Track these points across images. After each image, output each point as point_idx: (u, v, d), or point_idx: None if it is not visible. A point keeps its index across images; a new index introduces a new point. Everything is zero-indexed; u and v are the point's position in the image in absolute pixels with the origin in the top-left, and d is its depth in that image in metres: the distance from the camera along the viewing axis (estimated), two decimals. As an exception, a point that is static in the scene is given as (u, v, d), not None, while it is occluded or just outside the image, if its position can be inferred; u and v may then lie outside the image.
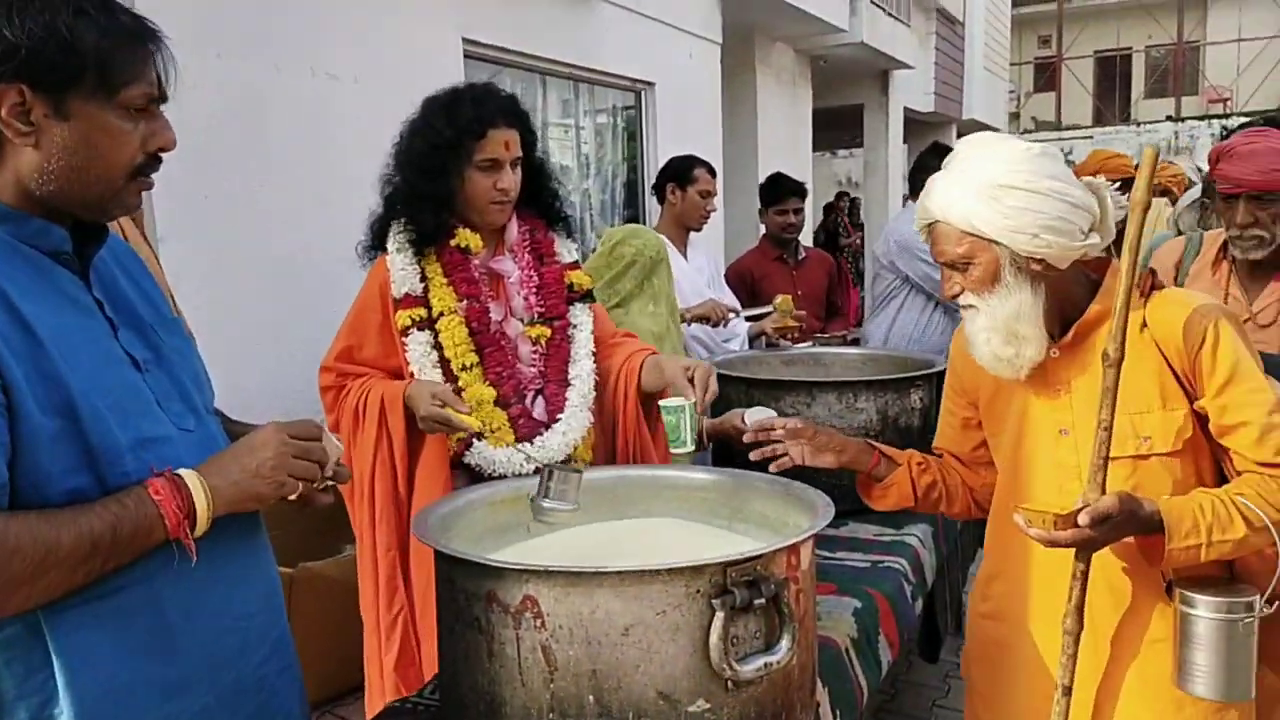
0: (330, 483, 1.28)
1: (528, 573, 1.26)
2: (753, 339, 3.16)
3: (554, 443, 1.88)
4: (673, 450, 1.73)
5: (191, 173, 3.36)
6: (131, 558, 1.08)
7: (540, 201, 2.00)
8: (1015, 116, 22.69)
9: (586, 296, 2.02)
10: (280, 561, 2.61)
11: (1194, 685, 1.40)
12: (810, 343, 3.41)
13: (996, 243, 1.41)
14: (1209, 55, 23.32)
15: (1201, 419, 1.46)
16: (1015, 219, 1.39)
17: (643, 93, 6.20)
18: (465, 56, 4.50)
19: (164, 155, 1.19)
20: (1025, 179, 1.39)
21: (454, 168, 1.84)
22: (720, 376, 2.44)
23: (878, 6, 9.39)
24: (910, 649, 2.23)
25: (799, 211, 3.90)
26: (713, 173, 3.36)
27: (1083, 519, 1.32)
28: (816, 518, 1.44)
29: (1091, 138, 18.69)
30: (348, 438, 1.85)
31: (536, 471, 1.58)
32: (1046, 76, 23.77)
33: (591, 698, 1.25)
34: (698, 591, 1.24)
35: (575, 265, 2.05)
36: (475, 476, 1.86)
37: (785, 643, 1.30)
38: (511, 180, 1.88)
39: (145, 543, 1.08)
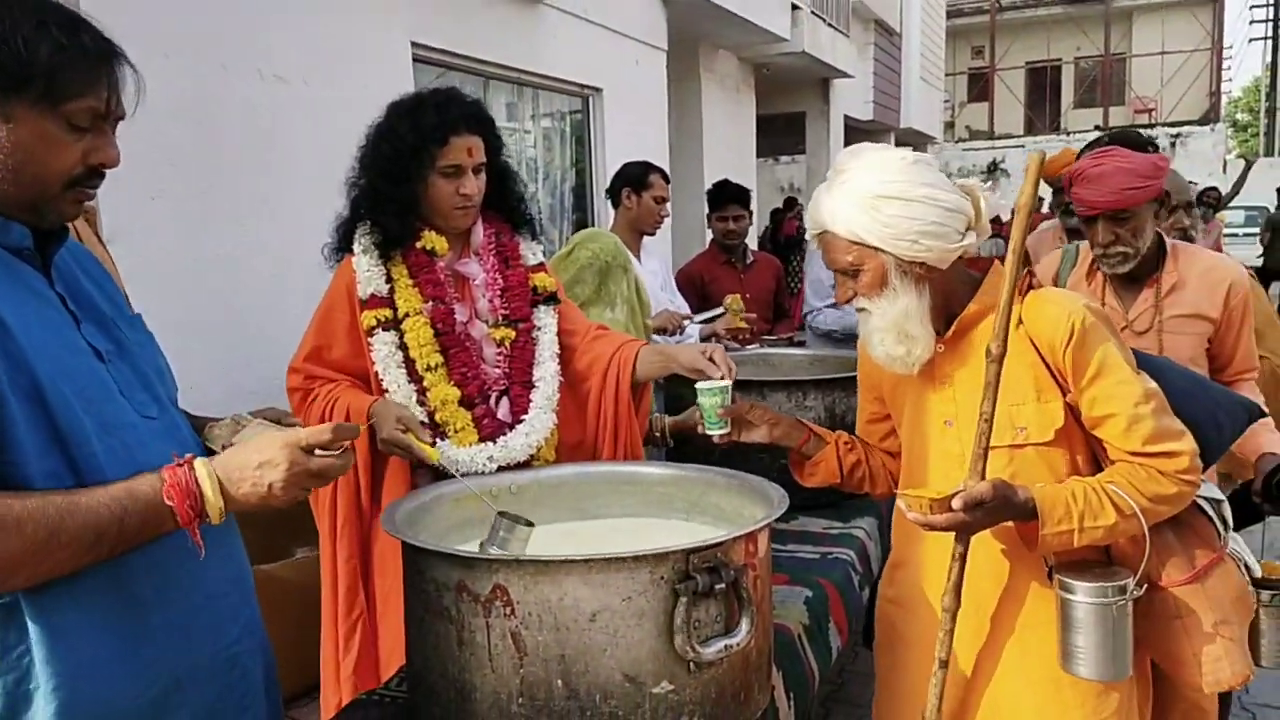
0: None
1: (497, 563, 1.30)
2: (704, 339, 3.23)
3: (517, 443, 1.92)
4: (710, 432, 1.79)
5: (138, 173, 3.31)
6: (139, 544, 1.10)
7: (506, 205, 2.03)
8: (950, 126, 23.28)
9: (551, 299, 2.06)
10: (254, 557, 2.62)
11: (1076, 667, 1.46)
12: (758, 344, 3.50)
13: (880, 250, 1.48)
14: (1134, 67, 24.22)
15: (1075, 411, 1.52)
16: (894, 227, 1.45)
17: (590, 98, 6.25)
18: (414, 60, 4.51)
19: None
20: (900, 189, 1.45)
21: (418, 173, 1.87)
22: (674, 377, 2.53)
23: (818, 16, 9.60)
24: (857, 639, 2.31)
25: (740, 218, 4.00)
26: (667, 179, 3.43)
27: (956, 503, 1.38)
28: (772, 509, 1.50)
29: (1023, 146, 19.29)
30: None
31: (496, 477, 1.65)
32: (980, 86, 24.43)
33: (560, 682, 1.29)
34: (661, 578, 1.30)
35: (540, 267, 2.08)
36: (439, 476, 1.89)
37: (745, 626, 1.36)
38: (474, 185, 1.91)
39: (151, 535, 1.11)
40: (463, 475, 1.81)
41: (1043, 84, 24.74)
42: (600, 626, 1.29)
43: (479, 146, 1.90)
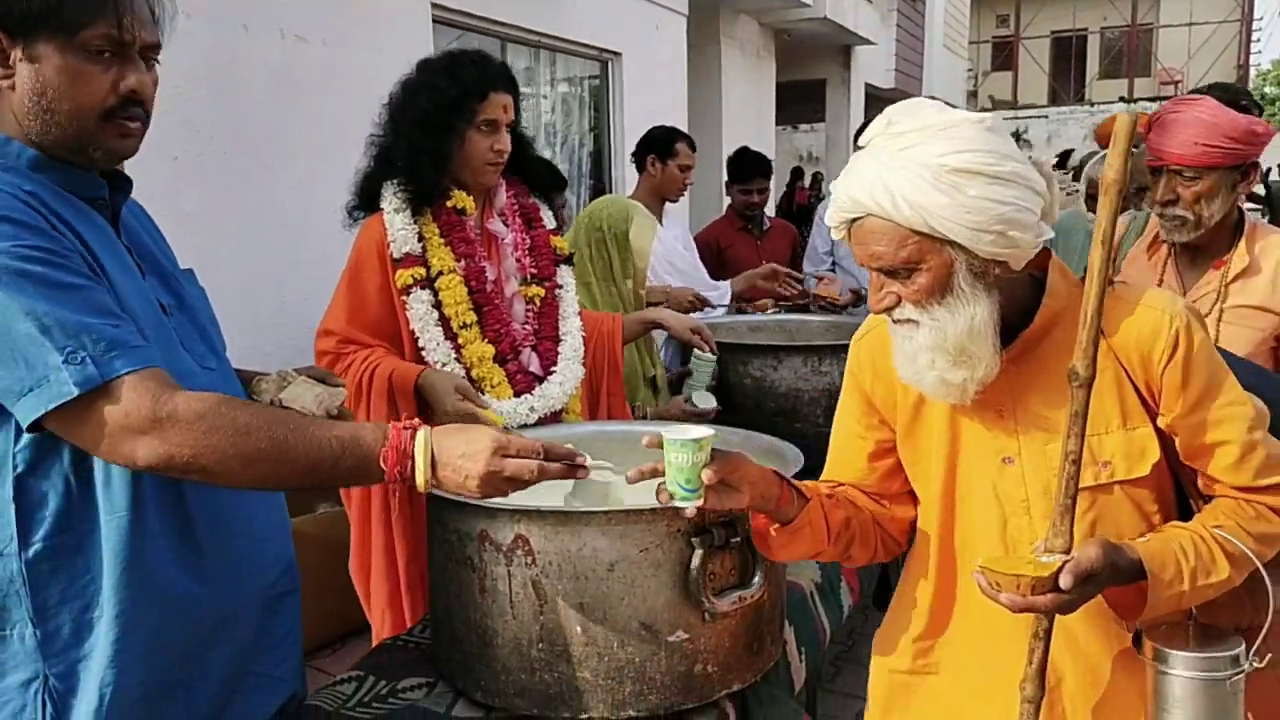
0: None
1: (519, 513, 1.33)
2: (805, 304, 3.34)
3: (553, 392, 1.97)
4: (696, 405, 1.84)
5: (160, 134, 3.31)
6: (344, 484, 1.14)
7: (525, 168, 2.06)
8: (973, 95, 22.94)
9: (568, 260, 2.11)
10: (292, 510, 2.67)
11: None
12: (778, 310, 3.53)
13: (953, 243, 1.12)
14: (1161, 38, 23.78)
15: (1166, 438, 1.22)
16: (980, 214, 1.10)
17: (609, 63, 6.22)
18: (433, 21, 4.50)
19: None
20: (986, 161, 1.10)
21: (455, 126, 1.88)
22: (688, 353, 2.61)
23: (840, -19, 9.47)
24: (868, 600, 2.35)
25: (762, 191, 4.01)
26: (693, 147, 3.43)
27: (1065, 580, 1.06)
28: (787, 466, 1.53)
29: (1046, 117, 19.02)
30: (350, 406, 1.89)
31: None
32: (1004, 56, 24.06)
33: (579, 629, 1.33)
34: (679, 531, 1.33)
35: (556, 231, 2.13)
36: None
37: (758, 579, 1.39)
38: (506, 142, 1.94)
39: (360, 481, 1.18)
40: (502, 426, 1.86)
41: (1068, 54, 24.34)
42: (618, 576, 1.32)
43: (510, 105, 1.92)
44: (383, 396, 1.85)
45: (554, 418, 1.95)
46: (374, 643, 1.90)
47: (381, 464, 1.13)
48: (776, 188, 11.04)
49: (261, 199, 3.68)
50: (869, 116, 1.25)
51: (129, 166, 3.07)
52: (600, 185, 6.29)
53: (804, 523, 1.31)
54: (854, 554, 1.39)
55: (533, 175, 2.08)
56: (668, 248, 3.00)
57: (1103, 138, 2.37)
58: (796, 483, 1.33)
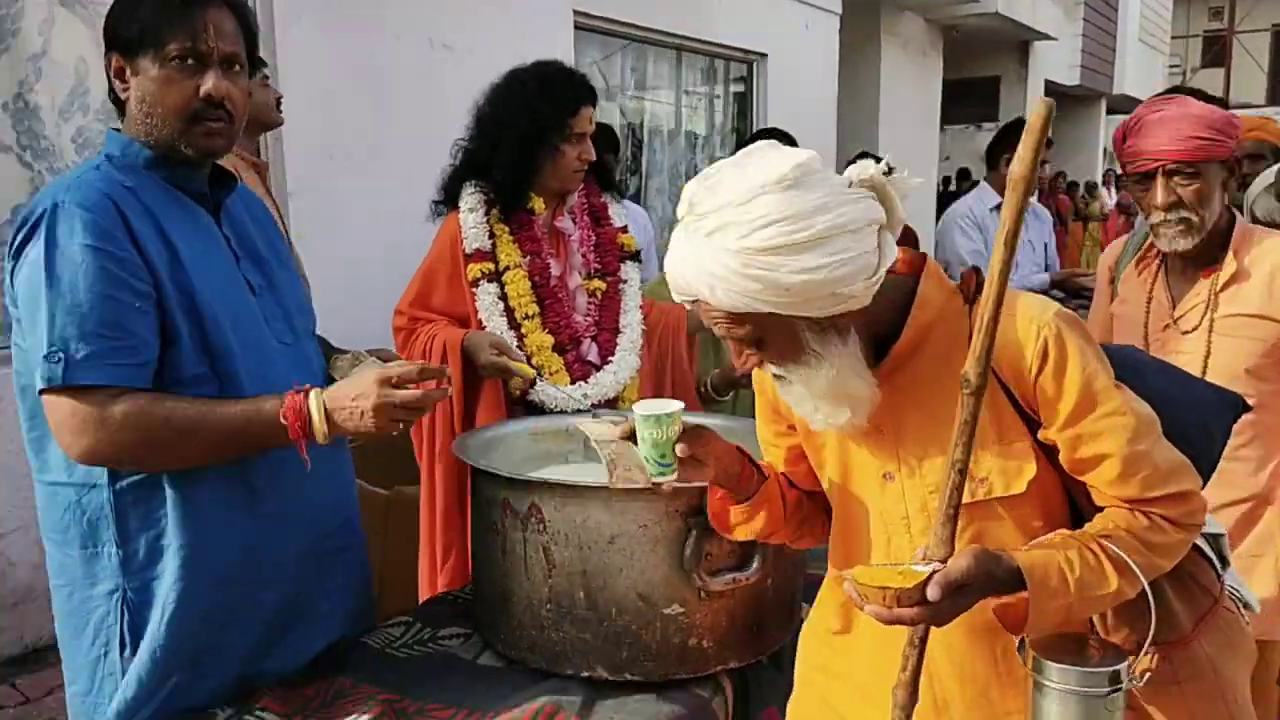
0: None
1: (533, 484, 1.48)
2: None
3: (607, 380, 2.11)
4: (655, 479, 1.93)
5: (319, 135, 3.73)
6: (254, 452, 1.36)
7: (597, 170, 2.21)
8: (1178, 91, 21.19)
9: (634, 257, 2.24)
10: (380, 485, 2.93)
11: None
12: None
13: (789, 316, 1.08)
14: (1407, 27, 21.15)
15: (1047, 449, 1.17)
16: (801, 288, 1.04)
17: (754, 63, 6.28)
18: (575, 28, 4.72)
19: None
20: (791, 231, 1.02)
21: (549, 139, 2.06)
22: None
23: (1015, -26, 9.08)
24: None
25: None
26: (790, 142, 3.48)
27: (932, 592, 1.01)
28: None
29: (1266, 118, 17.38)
30: None
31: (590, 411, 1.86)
32: (1215, 50, 22.11)
33: (582, 594, 1.46)
34: (676, 510, 1.44)
35: (624, 229, 2.26)
36: (536, 413, 2.10)
37: (755, 564, 1.48)
38: (592, 151, 2.11)
39: (267, 444, 1.36)
40: (557, 410, 2.02)
41: (1293, 47, 22.09)
42: (618, 549, 1.45)
43: (593, 115, 2.08)
44: (437, 358, 2.05)
45: (610, 404, 2.08)
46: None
47: (283, 422, 1.32)
48: (941, 187, 10.70)
49: (408, 194, 3.99)
50: (699, 174, 1.13)
51: (293, 157, 3.43)
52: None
53: (763, 499, 1.33)
54: (803, 535, 1.40)
55: (603, 176, 2.22)
56: None
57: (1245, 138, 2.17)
58: (759, 461, 1.35)
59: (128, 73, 1.37)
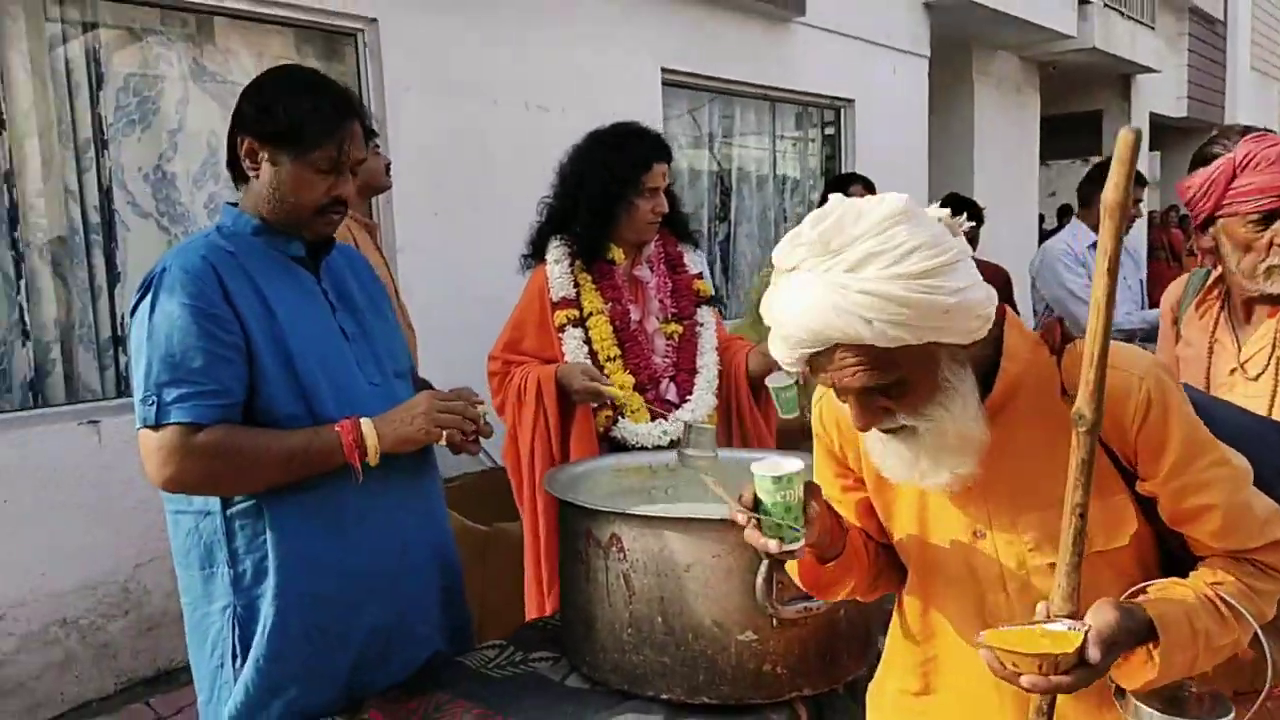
0: (476, 435, 1.67)
1: (614, 515, 1.59)
2: None
3: (683, 419, 2.21)
4: (782, 416, 2.04)
5: (425, 193, 3.99)
6: (320, 471, 1.52)
7: (673, 221, 2.34)
8: (1300, 118, 20.23)
9: (710, 301, 2.36)
10: (480, 522, 3.09)
11: None
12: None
13: (936, 343, 1.05)
14: None
15: (1145, 500, 1.15)
16: (960, 310, 1.02)
17: (842, 109, 6.36)
18: (663, 84, 4.91)
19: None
20: (939, 253, 1.02)
21: (624, 194, 2.23)
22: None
23: (1113, 9, 8.92)
24: None
25: (973, 233, 4.00)
26: (871, 189, 3.54)
27: (1094, 653, 0.97)
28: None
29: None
30: (511, 415, 2.27)
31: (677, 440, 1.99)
32: (1341, 71, 21.00)
33: (660, 619, 1.56)
34: (747, 542, 1.52)
35: (699, 276, 2.38)
36: (618, 448, 2.22)
37: (826, 593, 1.54)
38: (664, 205, 2.26)
39: (329, 463, 1.52)
40: (637, 446, 2.15)
41: None
42: (693, 576, 1.54)
43: (666, 171, 2.22)
44: (533, 397, 2.23)
45: None
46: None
47: (338, 440, 1.51)
48: (1051, 225, 10.47)
49: (506, 248, 4.21)
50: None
51: (402, 216, 3.72)
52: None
53: (852, 556, 1.28)
54: (878, 587, 1.36)
55: (679, 227, 2.35)
56: None
57: None
58: (841, 514, 1.32)
59: (261, 157, 1.56)
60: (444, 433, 1.60)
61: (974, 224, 3.95)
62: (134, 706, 3.18)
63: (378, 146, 2.83)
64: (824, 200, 3.57)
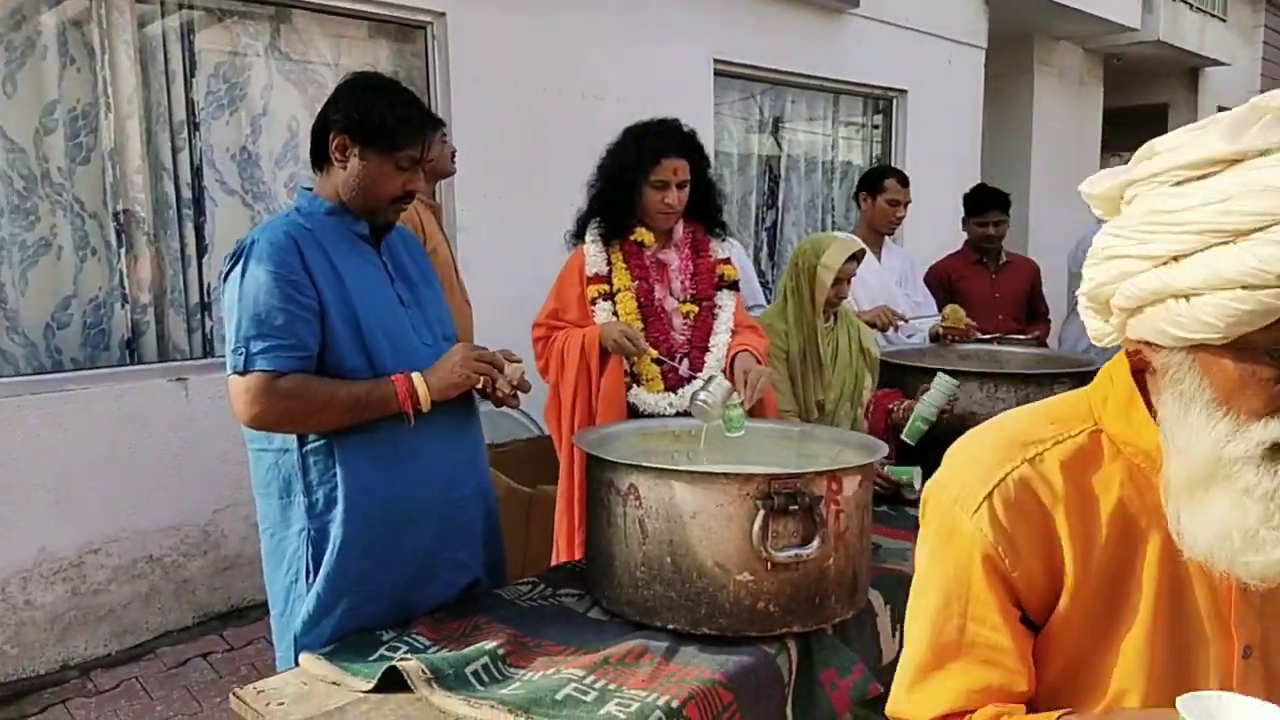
0: (515, 390, 1.93)
1: (632, 466, 1.81)
2: (933, 339, 3.48)
3: (691, 391, 2.42)
4: (727, 434, 2.19)
5: (487, 178, 4.25)
6: (379, 415, 1.78)
7: (704, 212, 2.56)
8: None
9: (732, 286, 2.57)
10: (525, 484, 3.35)
11: None
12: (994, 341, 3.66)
13: None
14: None
15: None
16: None
17: (894, 100, 6.45)
18: (715, 74, 5.09)
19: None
20: None
21: (634, 183, 2.45)
22: (890, 364, 3.01)
23: (1181, 1, 8.80)
24: None
25: (1000, 223, 4.10)
26: (904, 182, 3.68)
27: None
28: (875, 454, 1.88)
29: None
30: (555, 374, 2.52)
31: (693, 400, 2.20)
32: None
33: (669, 559, 1.78)
34: (747, 494, 1.73)
35: (726, 261, 2.59)
36: (633, 414, 2.46)
37: (816, 543, 1.75)
38: (675, 198, 2.46)
39: (386, 409, 1.78)
40: (648, 414, 2.37)
41: None
42: (699, 523, 1.75)
43: (684, 168, 2.43)
44: (576, 356, 2.47)
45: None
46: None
47: (394, 389, 1.77)
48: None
49: (558, 227, 4.45)
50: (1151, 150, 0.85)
51: (463, 199, 4.06)
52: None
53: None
54: None
55: (707, 218, 2.56)
56: (879, 278, 3.31)
57: None
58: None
59: (351, 152, 1.82)
60: (480, 377, 1.85)
61: (1002, 216, 4.08)
62: (209, 638, 3.52)
63: (445, 135, 3.09)
64: (860, 192, 3.70)
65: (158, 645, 3.47)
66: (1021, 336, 3.67)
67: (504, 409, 2.06)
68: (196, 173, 3.70)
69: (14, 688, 3.17)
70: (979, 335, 3.52)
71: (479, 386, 1.89)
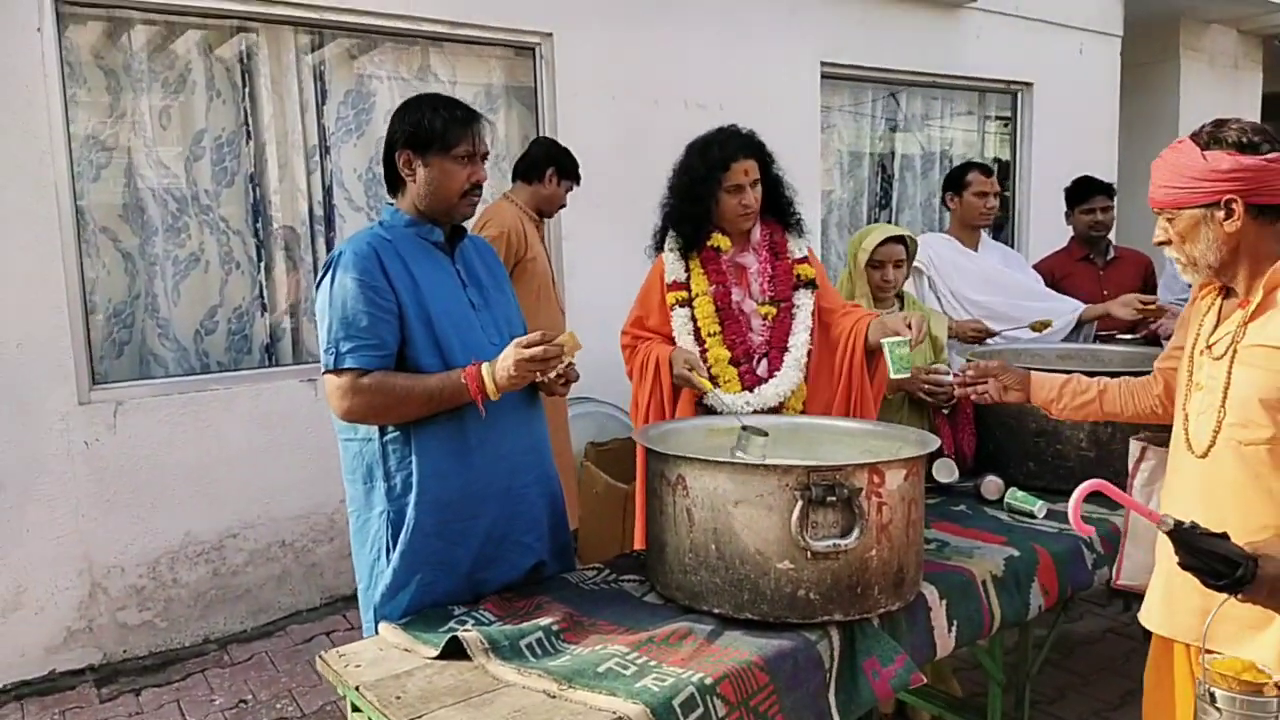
0: (565, 380, 2.06)
1: (680, 458, 1.91)
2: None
3: (769, 392, 2.49)
4: (892, 374, 2.32)
5: (588, 189, 4.42)
6: (451, 407, 1.94)
7: (779, 210, 2.61)
8: None
9: (810, 285, 2.61)
10: (622, 480, 3.49)
11: None
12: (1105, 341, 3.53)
13: None
14: None
15: None
16: None
17: (1019, 94, 6.25)
18: (822, 77, 5.10)
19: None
20: None
21: (709, 193, 2.53)
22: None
23: (1353, -28, 8.08)
24: (1059, 609, 2.52)
25: (1106, 209, 3.93)
26: (988, 173, 3.59)
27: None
28: (927, 446, 1.92)
29: None
30: (635, 384, 2.64)
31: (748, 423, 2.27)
32: None
33: (714, 546, 1.87)
34: (787, 485, 1.80)
35: (804, 260, 2.64)
36: (711, 414, 2.53)
37: (855, 534, 1.79)
38: (751, 197, 2.52)
39: (459, 400, 1.94)
40: (725, 412, 2.45)
41: None
42: (741, 512, 1.83)
43: (753, 167, 2.50)
44: (651, 372, 2.57)
45: (772, 412, 2.46)
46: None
47: (465, 383, 1.90)
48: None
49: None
50: None
51: (568, 208, 4.29)
52: (1001, 219, 6.33)
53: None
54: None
55: (785, 216, 2.62)
56: (944, 271, 3.28)
57: None
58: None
59: (415, 164, 2.00)
60: (531, 375, 1.96)
61: (1108, 202, 3.90)
62: (333, 618, 3.84)
63: (570, 187, 3.40)
64: (945, 192, 3.68)
65: (288, 624, 3.81)
66: (1129, 336, 3.51)
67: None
68: (327, 192, 4.04)
69: (162, 657, 3.56)
70: (1122, 335, 3.45)
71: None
